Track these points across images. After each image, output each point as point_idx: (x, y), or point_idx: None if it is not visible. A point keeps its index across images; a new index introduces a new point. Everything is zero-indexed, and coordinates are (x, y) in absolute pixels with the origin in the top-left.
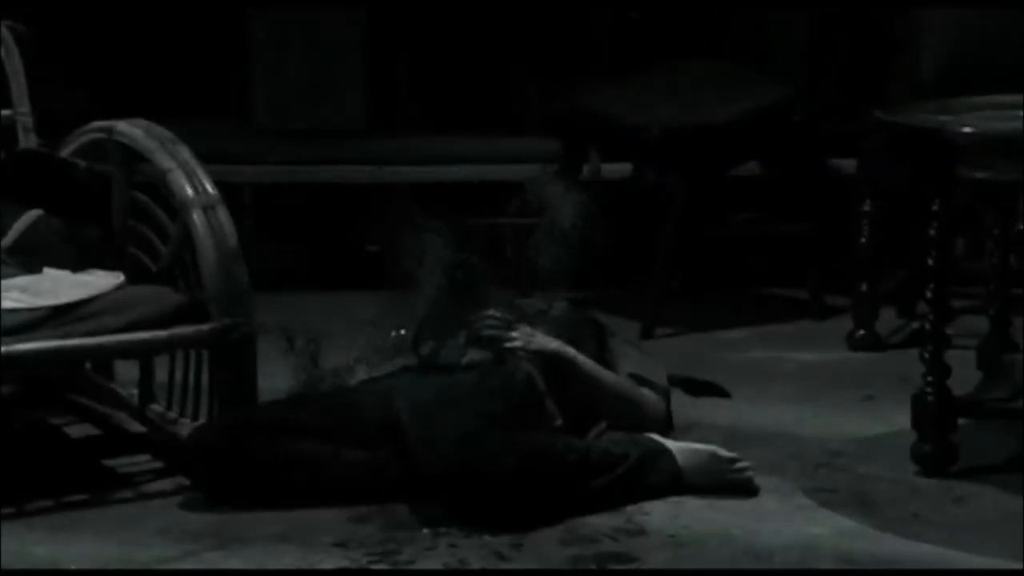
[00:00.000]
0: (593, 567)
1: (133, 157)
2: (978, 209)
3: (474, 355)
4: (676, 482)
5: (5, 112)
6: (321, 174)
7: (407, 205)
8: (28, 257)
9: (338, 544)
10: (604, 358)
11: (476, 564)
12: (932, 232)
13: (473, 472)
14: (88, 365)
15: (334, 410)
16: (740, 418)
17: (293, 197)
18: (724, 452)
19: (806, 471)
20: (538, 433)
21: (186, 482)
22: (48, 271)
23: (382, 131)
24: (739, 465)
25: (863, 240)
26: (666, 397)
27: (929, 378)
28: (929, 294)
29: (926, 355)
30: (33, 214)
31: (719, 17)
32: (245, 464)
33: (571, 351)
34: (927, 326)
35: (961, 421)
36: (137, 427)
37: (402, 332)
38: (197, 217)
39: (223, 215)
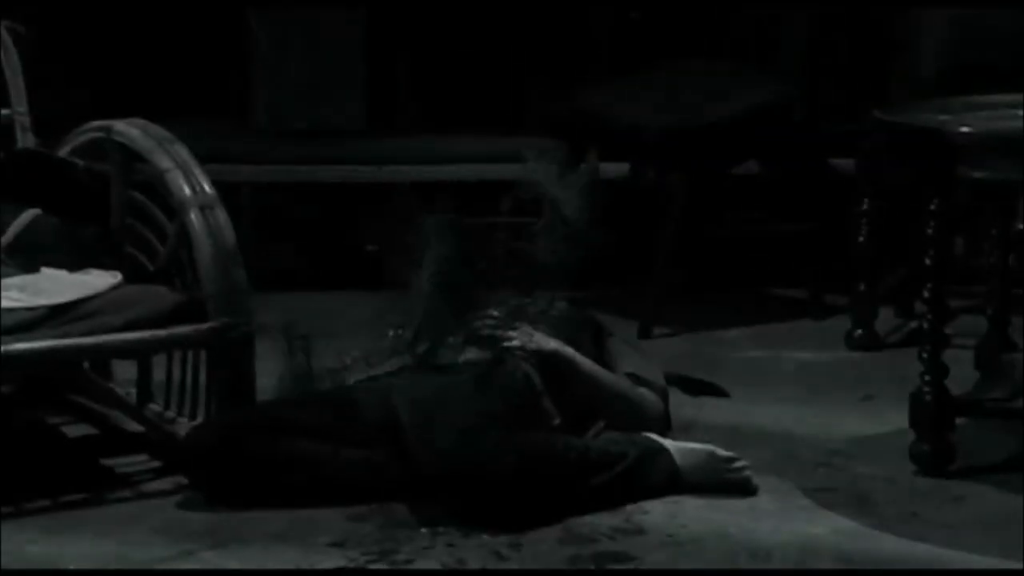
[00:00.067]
0: (591, 567)
1: (131, 157)
2: (977, 208)
3: (473, 355)
4: (674, 481)
5: (4, 112)
6: (321, 174)
7: (407, 205)
8: (26, 256)
9: (336, 544)
10: (602, 358)
11: (474, 564)
12: (931, 231)
13: (472, 471)
14: (86, 364)
15: (333, 410)
16: (739, 417)
17: (293, 197)
18: (722, 451)
19: (804, 470)
20: (537, 432)
21: (184, 481)
22: (46, 270)
23: (382, 131)
24: (737, 464)
25: (862, 240)
26: (664, 397)
27: (927, 377)
28: (927, 293)
29: (924, 355)
30: (31, 213)
31: (719, 17)
32: (243, 464)
33: (569, 351)
34: (925, 325)
35: (959, 420)
36: (135, 426)
37: (401, 332)
38: (195, 217)
39: (221, 215)
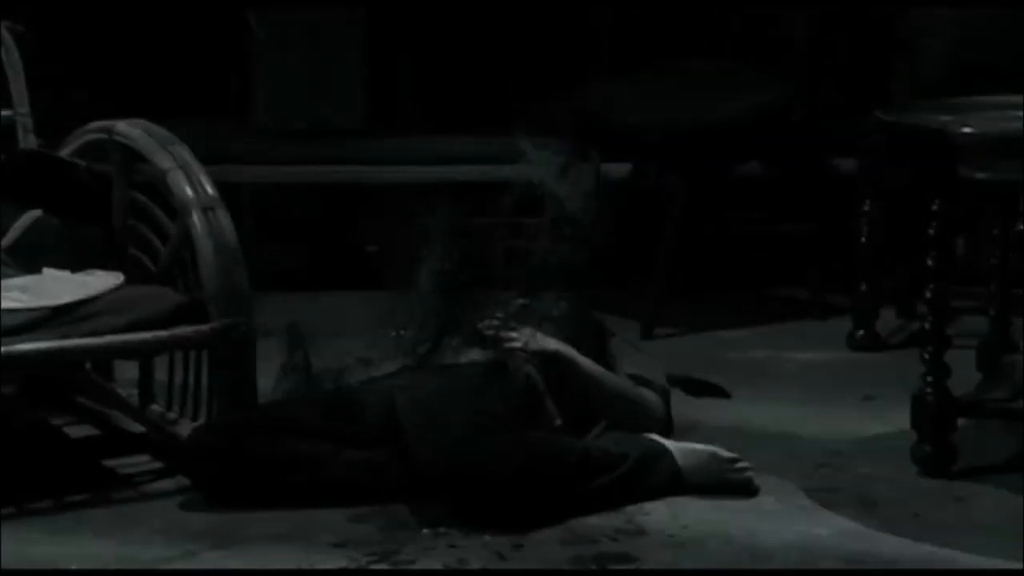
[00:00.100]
0: (593, 567)
1: (133, 157)
2: (978, 209)
3: (474, 355)
4: (676, 482)
5: (5, 112)
6: (321, 174)
7: (407, 205)
8: (28, 257)
9: (338, 544)
10: (604, 358)
11: (476, 564)
12: (932, 232)
13: (473, 472)
14: (88, 365)
15: (334, 410)
16: (740, 418)
17: (293, 197)
18: (724, 452)
19: (806, 471)
20: (538, 433)
21: (186, 482)
22: (48, 271)
23: (382, 131)
24: (739, 465)
25: (863, 240)
26: (666, 397)
27: (929, 378)
28: (929, 294)
29: (926, 355)
30: (33, 214)
31: (719, 17)
32: (245, 464)
33: (571, 351)
34: (927, 326)
35: (961, 421)
36: (137, 427)
37: (402, 332)
38: (197, 217)
39: (223, 215)
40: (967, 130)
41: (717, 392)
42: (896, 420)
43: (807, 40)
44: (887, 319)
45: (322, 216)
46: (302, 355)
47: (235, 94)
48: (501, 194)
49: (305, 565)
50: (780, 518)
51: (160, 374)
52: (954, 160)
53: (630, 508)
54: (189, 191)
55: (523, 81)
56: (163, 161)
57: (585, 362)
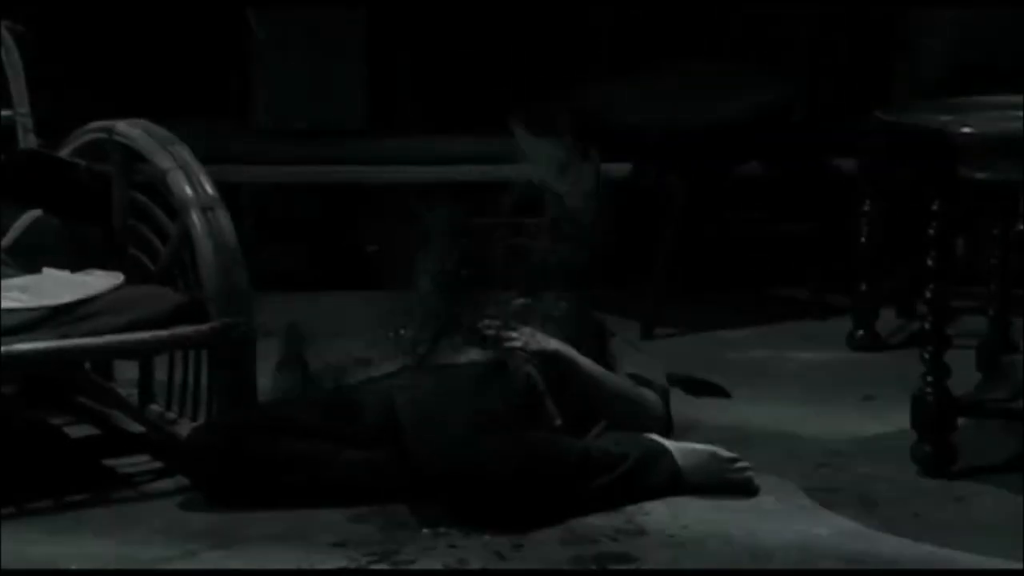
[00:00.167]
0: (593, 567)
1: (133, 157)
2: (978, 209)
3: (474, 355)
4: (676, 482)
5: (5, 112)
6: (321, 174)
7: (407, 205)
8: (28, 257)
9: (338, 544)
10: (604, 358)
11: (476, 564)
12: (932, 232)
13: (473, 472)
14: (88, 365)
15: (334, 410)
16: (740, 418)
17: (293, 197)
18: (724, 452)
19: (806, 471)
20: (538, 433)
21: (186, 482)
22: (48, 271)
23: (382, 131)
24: (739, 465)
25: (863, 240)
26: (666, 397)
27: (929, 378)
28: (929, 294)
29: (926, 355)
30: (33, 214)
31: (719, 17)
32: (245, 464)
33: (571, 351)
34: (927, 326)
35: (961, 421)
36: (137, 427)
37: (402, 332)
38: (196, 217)
39: (222, 215)
40: (967, 130)
41: (717, 392)
42: (896, 420)
43: (807, 40)
44: (887, 319)
45: (322, 216)
46: (298, 353)
47: (235, 94)
48: (501, 194)
49: (305, 565)
50: (780, 518)
51: (160, 374)
52: (954, 160)
53: (630, 508)
54: (189, 191)
55: (523, 81)
56: (163, 161)
57: (585, 362)
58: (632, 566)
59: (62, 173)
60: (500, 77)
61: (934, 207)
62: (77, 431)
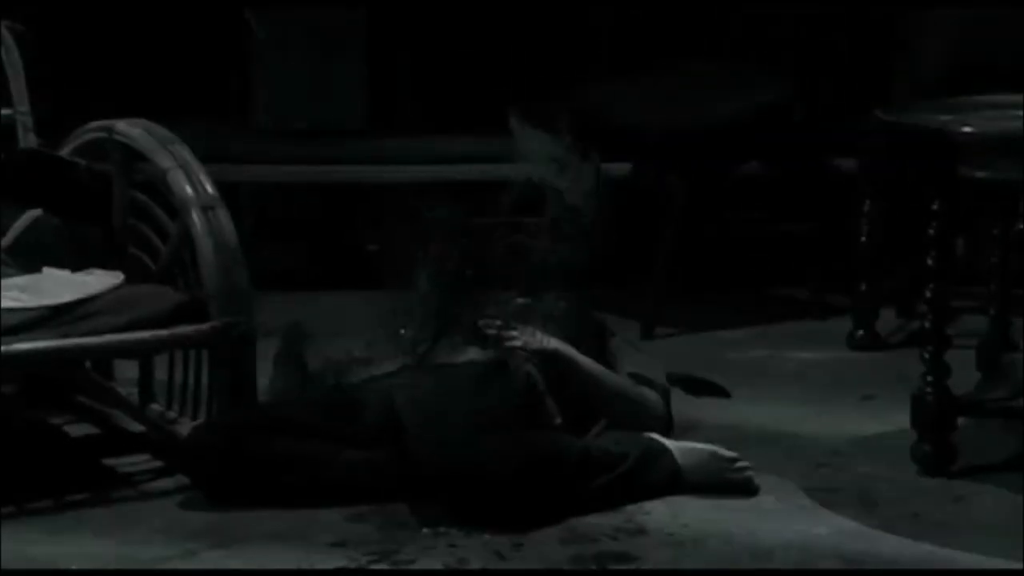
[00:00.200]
0: (593, 567)
1: (133, 157)
2: (978, 209)
3: (474, 355)
4: (676, 481)
5: (5, 112)
6: (321, 174)
7: (407, 205)
8: (28, 257)
9: (337, 544)
10: (604, 358)
11: (476, 564)
12: (932, 232)
13: (473, 472)
14: (88, 364)
15: (334, 410)
16: (740, 417)
17: (293, 197)
18: (724, 451)
19: (806, 471)
20: (538, 432)
21: (186, 481)
22: (48, 270)
23: (382, 131)
24: (739, 464)
25: (863, 240)
26: (666, 397)
27: (929, 378)
28: (929, 294)
29: (926, 355)
30: (33, 214)
31: (719, 17)
32: (245, 464)
33: (571, 350)
34: (927, 326)
35: (961, 421)
36: (137, 426)
37: (402, 332)
38: (197, 217)
39: (223, 215)
40: (967, 129)
41: (717, 391)
42: (896, 420)
43: (807, 40)
44: (887, 319)
45: (322, 216)
46: (298, 352)
47: (235, 94)
48: (501, 194)
49: (305, 565)
50: (780, 517)
51: (160, 373)
52: (954, 160)
53: (630, 507)
54: (189, 190)
55: (523, 81)
56: (163, 160)
57: (585, 361)
58: (632, 565)
59: (62, 172)
60: (500, 77)
61: (934, 207)
62: (77, 430)
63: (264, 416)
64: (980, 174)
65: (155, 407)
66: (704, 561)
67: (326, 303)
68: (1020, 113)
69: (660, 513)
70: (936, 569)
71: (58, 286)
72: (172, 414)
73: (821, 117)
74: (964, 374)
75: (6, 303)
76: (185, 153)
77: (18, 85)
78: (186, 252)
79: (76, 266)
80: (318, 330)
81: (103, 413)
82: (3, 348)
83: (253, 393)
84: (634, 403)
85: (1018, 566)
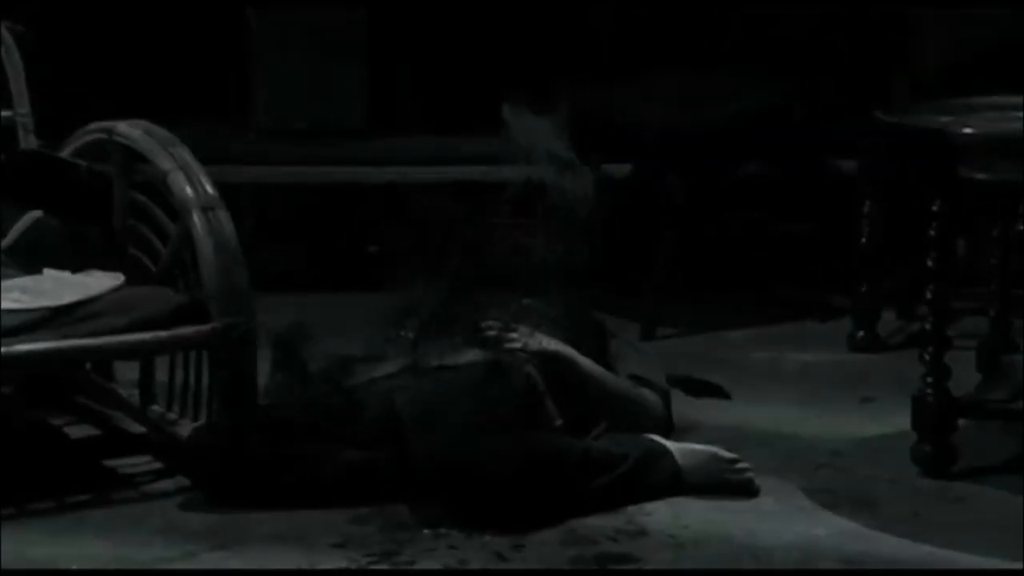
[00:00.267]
0: (594, 568)
1: (133, 158)
2: (979, 210)
3: (474, 355)
4: (676, 483)
5: (5, 113)
6: (321, 174)
7: (407, 205)
8: (28, 258)
9: (338, 545)
10: (604, 359)
11: (476, 565)
12: (932, 233)
13: (473, 472)
14: (88, 366)
15: (334, 411)
16: (740, 419)
17: (293, 197)
18: (724, 453)
19: (806, 472)
20: (538, 433)
21: (186, 482)
22: (48, 272)
23: (382, 131)
24: (739, 466)
25: (864, 241)
26: (666, 398)
27: (929, 379)
28: (929, 295)
29: (926, 356)
30: (33, 215)
31: (719, 17)
32: (245, 465)
33: (571, 351)
34: (927, 327)
35: (961, 422)
36: (137, 428)
37: (402, 332)
38: (197, 218)
39: (223, 216)
40: (967, 131)
41: (717, 393)
42: (896, 421)
43: (807, 40)
44: (887, 320)
45: (322, 216)
46: (294, 351)
47: (235, 94)
48: (501, 194)
49: (305, 566)
50: (780, 519)
51: (161, 374)
52: (954, 160)
53: (630, 508)
54: (189, 191)
55: (523, 81)
56: (163, 162)
57: (585, 362)
58: (633, 567)
59: (63, 174)
60: (500, 77)
61: (934, 207)
62: (77, 431)
63: (265, 417)
64: (980, 175)
65: (155, 408)
66: (704, 562)
67: (326, 304)
68: (1020, 114)
69: (661, 514)
70: (936, 570)
71: (58, 287)
72: (172, 415)
73: (821, 117)
74: (964, 375)
75: (7, 304)
76: (185, 154)
77: (18, 86)
78: (186, 253)
79: (76, 267)
80: (318, 331)
81: (103, 414)
82: (3, 349)
83: (253, 394)
84: (634, 404)
85: (1018, 566)
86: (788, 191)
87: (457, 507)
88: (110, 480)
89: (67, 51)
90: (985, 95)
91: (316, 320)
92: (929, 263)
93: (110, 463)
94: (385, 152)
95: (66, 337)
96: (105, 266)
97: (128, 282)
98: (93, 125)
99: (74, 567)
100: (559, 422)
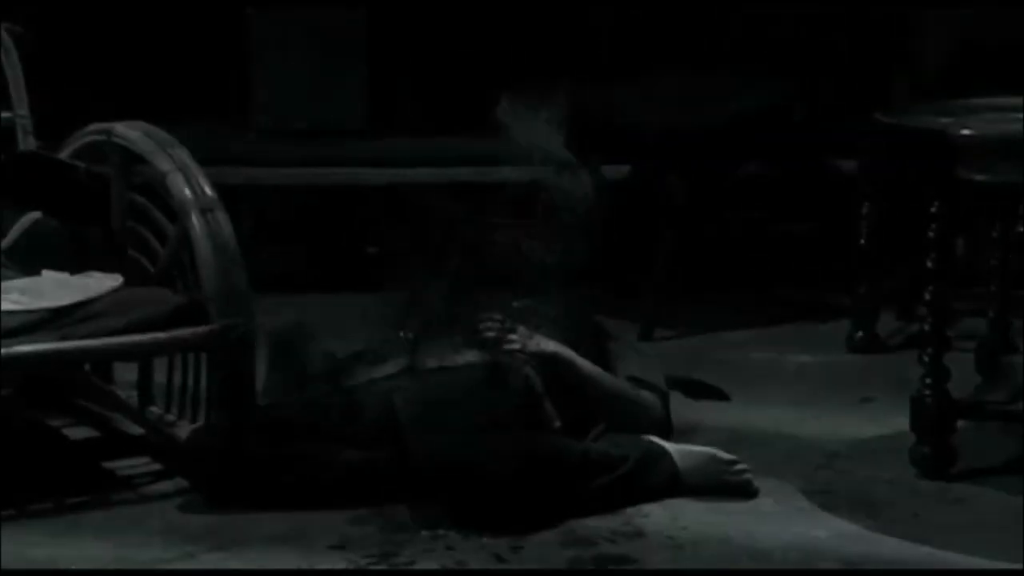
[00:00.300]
0: (592, 568)
1: (132, 159)
2: (978, 211)
3: (473, 356)
4: (675, 484)
5: (5, 114)
6: (321, 175)
7: (407, 205)
8: (27, 259)
9: (337, 546)
10: (603, 360)
11: (475, 566)
12: (932, 233)
13: (472, 473)
14: (87, 367)
15: (333, 411)
16: (739, 420)
17: (292, 198)
18: (723, 454)
19: (805, 473)
20: (537, 434)
21: (185, 484)
22: (47, 273)
23: (382, 131)
24: (738, 467)
25: (863, 242)
26: (665, 399)
27: (928, 380)
28: (928, 296)
29: (925, 357)
30: (32, 216)
31: (719, 17)
32: (244, 466)
33: (570, 352)
34: (926, 328)
35: (960, 423)
36: (136, 429)
37: (402, 332)
38: (196, 219)
39: (222, 217)
40: (967, 132)
41: (716, 394)
42: (895, 422)
43: (807, 40)
44: (887, 321)
45: (322, 217)
46: (293, 351)
47: (235, 94)
48: (501, 194)
49: (304, 566)
50: (779, 520)
51: (159, 376)
52: (954, 161)
53: (629, 509)
54: (188, 193)
55: (523, 81)
56: (162, 163)
57: (584, 363)
58: (631, 568)
59: (61, 175)
60: (500, 77)
61: (934, 208)
62: (77, 433)
63: (263, 418)
64: (980, 176)
65: (154, 409)
66: (703, 563)
67: (326, 304)
68: (1020, 116)
69: (659, 515)
70: (935, 570)
71: (57, 288)
72: (171, 416)
73: (821, 117)
74: (964, 376)
75: (6, 305)
76: (184, 156)
77: (17, 87)
78: (185, 254)
79: (75, 268)
80: (318, 331)
81: (102, 416)
82: (3, 350)
83: (252, 395)
84: (633, 405)
85: (1018, 567)
86: (788, 191)
87: (456, 508)
88: (109, 481)
89: (67, 51)
90: (985, 96)
91: (316, 320)
92: (928, 264)
93: (109, 464)
94: (385, 152)
95: (65, 338)
96: (104, 267)
97: (127, 283)
98: (92, 126)
99: (74, 568)
100: (558, 423)
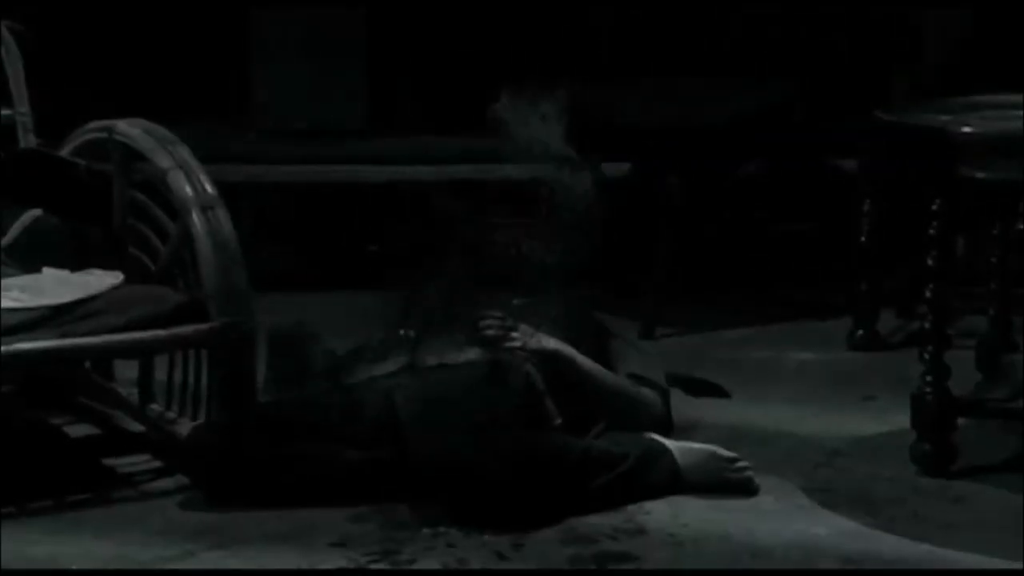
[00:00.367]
0: (593, 567)
1: (133, 157)
2: (979, 209)
3: (474, 354)
4: (676, 481)
5: (5, 112)
6: (321, 172)
7: (407, 205)
8: (28, 256)
9: (337, 544)
10: (604, 358)
11: (476, 564)
12: (932, 232)
13: (473, 471)
14: (88, 364)
15: (334, 410)
16: (740, 418)
17: (293, 197)
18: (724, 452)
19: (806, 471)
20: (538, 432)
21: (186, 481)
22: (47, 270)
23: (382, 131)
24: (739, 465)
25: (864, 240)
26: (665, 397)
27: (929, 378)
28: (929, 294)
29: (926, 355)
30: (33, 213)
31: (720, 17)
32: (244, 464)
33: (570, 350)
34: (927, 326)
35: (961, 421)
36: (137, 427)
37: (402, 332)
38: (196, 217)
39: (222, 215)
40: (967, 129)
41: (717, 392)
42: (896, 420)
43: (807, 40)
44: (887, 319)
45: (322, 216)
46: (287, 348)
47: (235, 94)
48: (501, 194)
49: (304, 565)
50: (779, 517)
51: (160, 373)
52: (954, 160)
53: (630, 507)
54: (189, 190)
55: (523, 81)
56: (163, 160)
57: (584, 361)
58: (632, 565)
59: (62, 172)
60: (500, 77)
61: (934, 207)
62: (77, 430)
63: (264, 416)
64: (980, 174)
65: (155, 407)
66: (704, 561)
67: (326, 303)
68: (1020, 113)
69: (660, 513)
70: (936, 569)
71: (58, 286)
72: (172, 414)
73: (821, 117)
74: (964, 374)
75: (6, 303)
76: (185, 153)
77: (18, 85)
78: (186, 252)
79: (76, 266)
80: (318, 329)
81: (103, 413)
82: (3, 348)
83: (252, 393)
84: (634, 403)
85: (1018, 566)
86: (788, 191)
87: (457, 505)
88: (109, 479)
89: (68, 49)
90: (985, 94)
91: (316, 318)
92: (929, 262)
93: (109, 462)
94: (385, 152)
95: (65, 336)
96: (104, 265)
97: (127, 281)
98: (92, 124)
99: (74, 566)
100: (559, 421)
